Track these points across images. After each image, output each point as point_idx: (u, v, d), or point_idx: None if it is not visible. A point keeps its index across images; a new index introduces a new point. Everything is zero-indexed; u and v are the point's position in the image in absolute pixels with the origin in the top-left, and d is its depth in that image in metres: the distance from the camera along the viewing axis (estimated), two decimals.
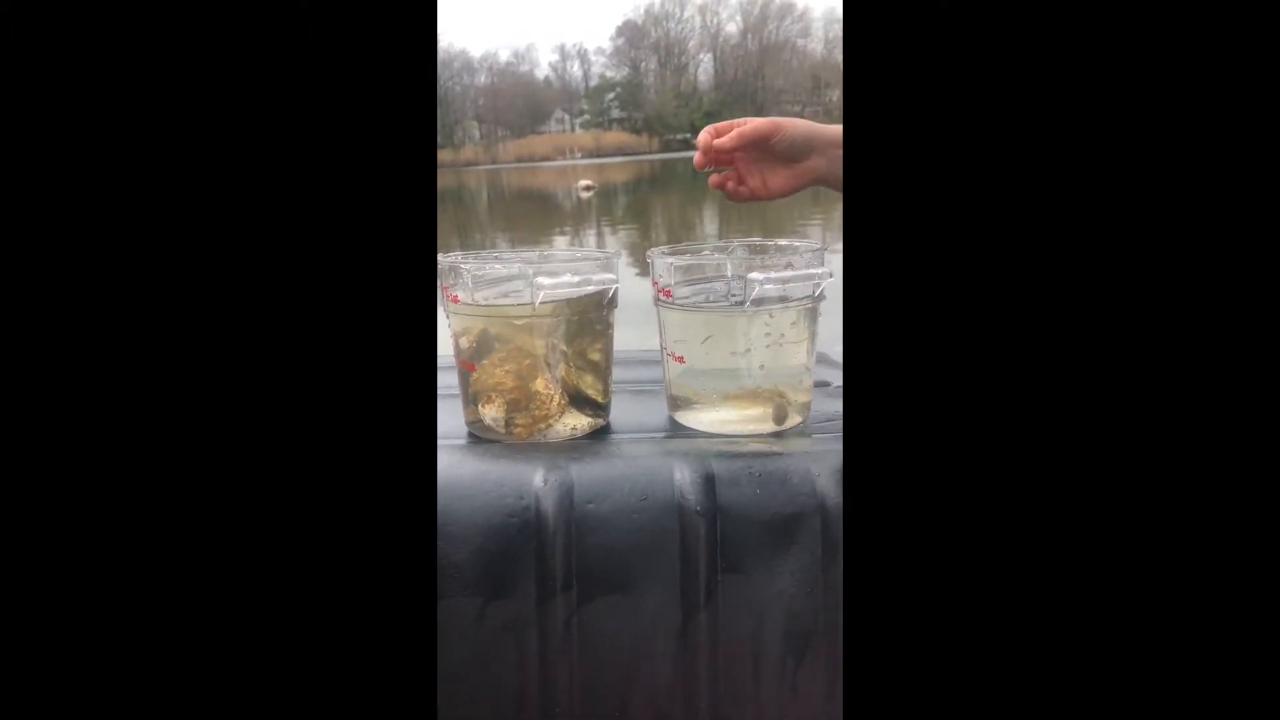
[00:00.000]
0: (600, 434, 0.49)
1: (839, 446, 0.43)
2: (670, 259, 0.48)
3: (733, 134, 0.55)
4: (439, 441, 0.47)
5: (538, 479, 0.40)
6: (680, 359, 0.49)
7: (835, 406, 0.52)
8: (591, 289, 0.46)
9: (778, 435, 0.47)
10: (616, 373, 0.52)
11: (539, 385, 0.47)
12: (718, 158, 0.57)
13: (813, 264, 0.47)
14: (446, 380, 0.54)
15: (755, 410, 0.48)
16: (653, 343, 0.53)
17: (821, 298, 0.48)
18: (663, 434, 0.48)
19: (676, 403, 0.51)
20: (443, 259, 0.47)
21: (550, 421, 0.47)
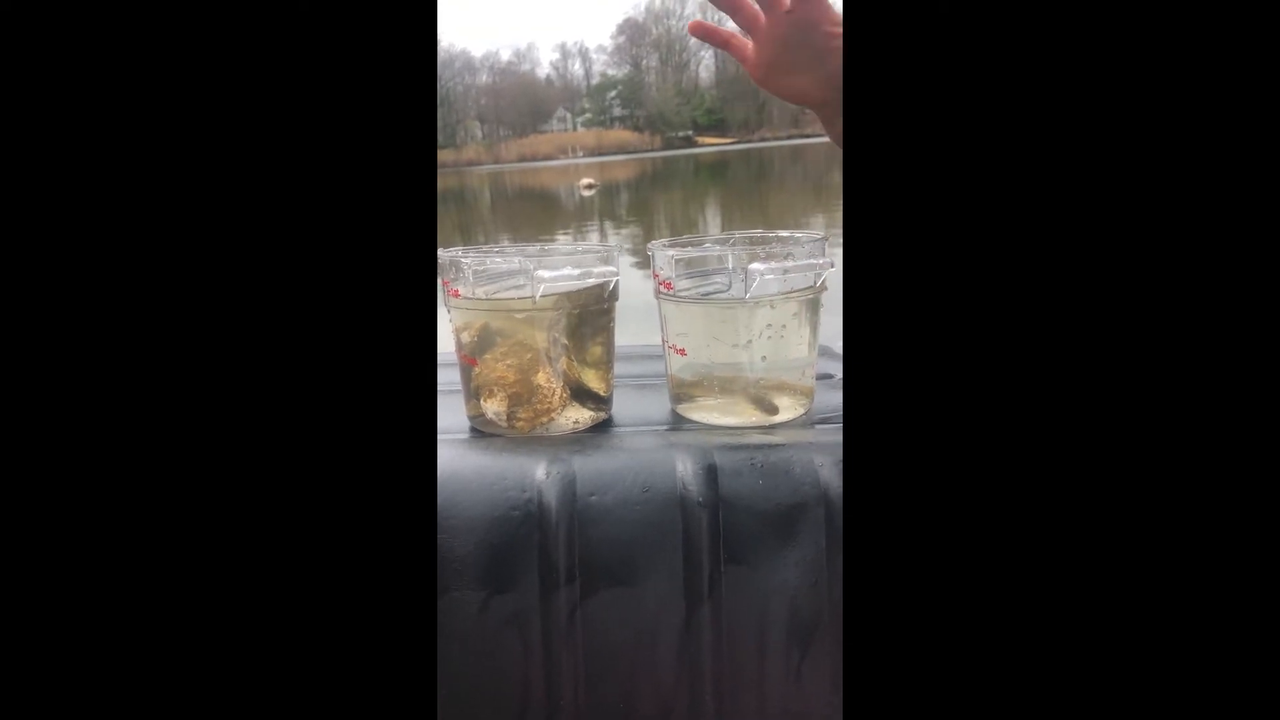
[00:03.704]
0: (602, 427, 0.49)
1: (841, 437, 0.43)
2: (670, 251, 0.48)
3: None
4: (442, 437, 0.47)
5: (540, 472, 0.40)
6: (682, 352, 0.49)
7: (837, 398, 0.52)
8: (592, 282, 0.46)
9: (781, 426, 0.47)
10: (619, 367, 0.52)
11: (540, 379, 0.47)
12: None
13: (814, 254, 0.46)
14: (449, 376, 0.54)
15: (751, 408, 0.48)
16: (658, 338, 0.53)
17: (823, 288, 0.48)
18: (665, 427, 0.48)
19: (679, 396, 0.51)
20: (444, 254, 0.47)
21: (552, 415, 0.47)
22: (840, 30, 0.50)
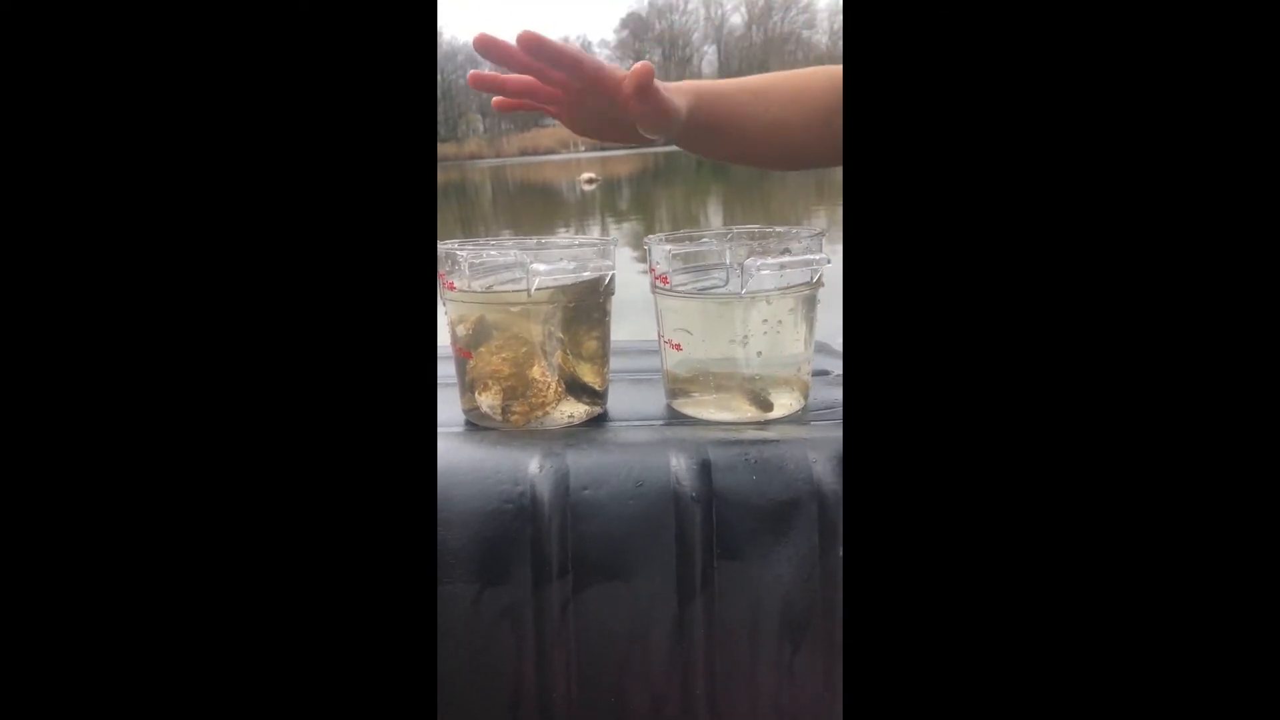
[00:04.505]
0: (597, 422, 0.49)
1: (836, 433, 0.43)
2: (667, 246, 0.48)
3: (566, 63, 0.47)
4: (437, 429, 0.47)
5: (533, 465, 0.40)
6: (678, 347, 0.49)
7: (833, 394, 0.52)
8: (587, 275, 0.46)
9: (776, 422, 0.47)
10: (615, 362, 0.52)
11: (535, 373, 0.47)
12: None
13: (811, 250, 0.46)
14: (444, 369, 0.54)
15: (746, 404, 0.48)
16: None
17: (820, 284, 0.48)
18: (660, 422, 0.48)
19: (674, 391, 0.50)
20: (440, 247, 0.47)
21: (547, 409, 0.47)
22: (625, 99, 0.49)
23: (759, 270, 0.44)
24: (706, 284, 0.47)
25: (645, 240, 0.49)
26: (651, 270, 0.49)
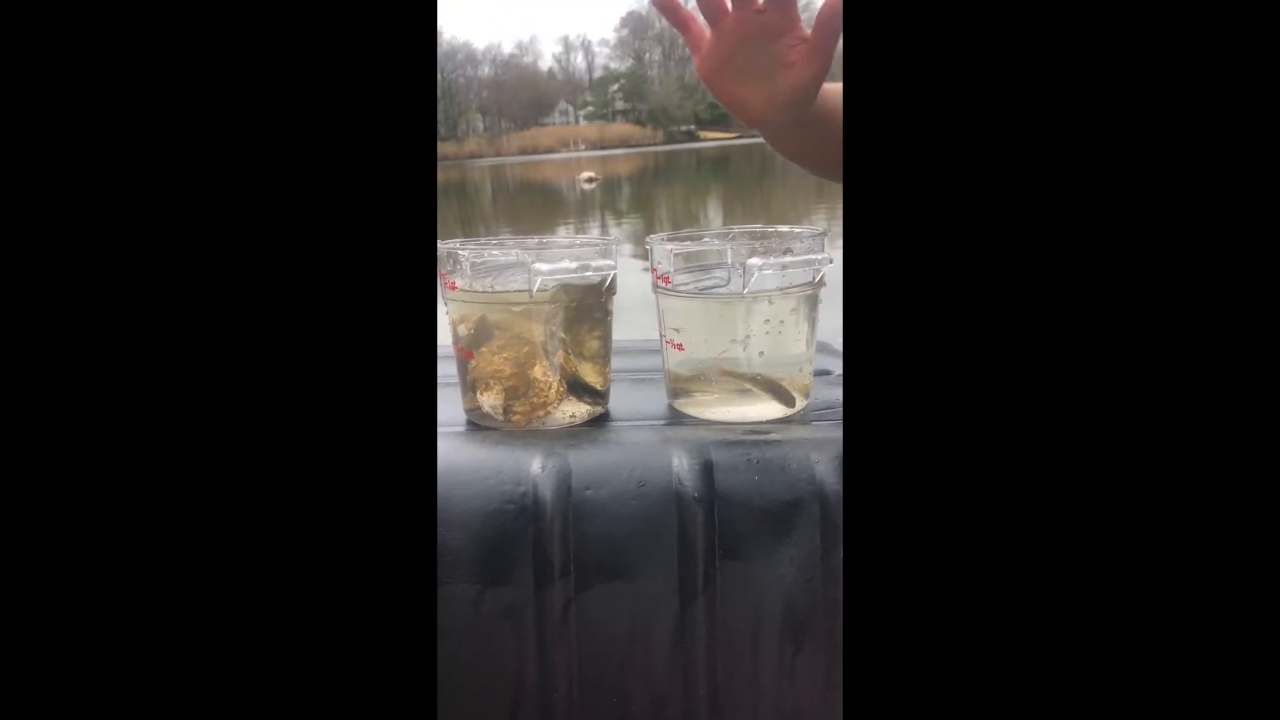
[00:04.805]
0: (599, 422, 0.48)
1: (838, 434, 0.42)
2: (669, 245, 0.47)
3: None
4: (437, 429, 0.47)
5: (535, 465, 0.40)
6: (679, 346, 0.48)
7: (834, 394, 0.52)
8: (589, 275, 0.46)
9: (779, 422, 0.47)
10: (617, 362, 0.52)
11: (537, 373, 0.47)
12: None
13: (813, 250, 0.46)
14: (445, 369, 0.54)
15: (758, 405, 0.48)
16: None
17: (822, 284, 0.47)
18: (662, 422, 0.48)
19: (676, 391, 0.50)
20: (441, 246, 0.47)
21: (548, 409, 0.47)
22: (797, 49, 0.48)
23: (761, 270, 0.44)
24: (708, 284, 0.47)
25: (647, 240, 0.49)
26: (653, 270, 0.49)
